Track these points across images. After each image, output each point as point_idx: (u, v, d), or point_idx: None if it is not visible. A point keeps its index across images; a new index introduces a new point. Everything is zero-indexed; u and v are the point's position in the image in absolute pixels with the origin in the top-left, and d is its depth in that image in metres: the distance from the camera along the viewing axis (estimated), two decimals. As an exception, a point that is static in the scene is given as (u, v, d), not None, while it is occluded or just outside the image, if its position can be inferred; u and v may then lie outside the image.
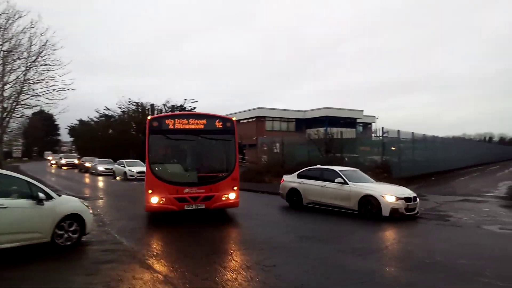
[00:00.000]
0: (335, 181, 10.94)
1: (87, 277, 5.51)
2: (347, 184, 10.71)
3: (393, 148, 20.76)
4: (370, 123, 49.85)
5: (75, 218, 7.22)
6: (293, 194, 12.27)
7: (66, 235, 7.07)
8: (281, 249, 7.17)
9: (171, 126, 9.49)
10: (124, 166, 25.21)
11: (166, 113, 11.59)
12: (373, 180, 11.64)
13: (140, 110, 43.75)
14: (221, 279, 5.52)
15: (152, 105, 43.41)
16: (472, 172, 29.19)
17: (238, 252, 7.16)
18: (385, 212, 9.72)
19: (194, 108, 43.25)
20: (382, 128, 20.92)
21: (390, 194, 9.92)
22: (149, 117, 9.44)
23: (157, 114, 45.37)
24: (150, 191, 9.20)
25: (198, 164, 10.17)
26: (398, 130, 21.27)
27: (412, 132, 22.94)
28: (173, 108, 43.59)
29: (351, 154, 21.71)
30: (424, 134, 24.99)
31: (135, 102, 43.54)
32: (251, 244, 7.60)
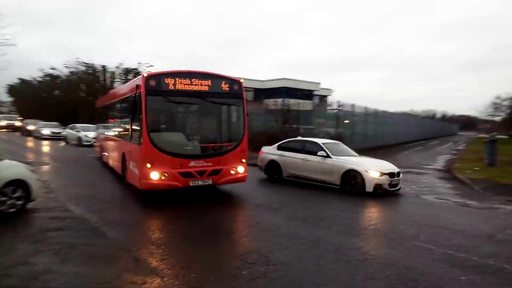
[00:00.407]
0: (318, 154, 10.52)
1: (35, 244, 5.30)
2: (330, 157, 10.31)
3: (346, 121, 21.60)
4: (326, 96, 51.09)
5: (19, 184, 6.82)
6: (272, 166, 11.82)
7: (9, 202, 6.68)
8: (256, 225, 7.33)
9: (171, 86, 7.98)
10: (79, 131, 23.88)
11: (164, 71, 8.33)
12: (356, 154, 11.26)
13: (90, 71, 41.04)
14: (176, 243, 5.60)
15: (104, 66, 40.94)
16: (416, 146, 31.32)
17: (190, 213, 7.22)
18: (369, 187, 9.48)
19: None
20: (338, 101, 21.59)
21: (374, 169, 9.64)
22: (145, 74, 7.95)
23: (110, 77, 42.99)
24: (149, 165, 7.74)
25: (203, 133, 9.03)
26: (353, 104, 22.08)
27: (365, 107, 23.95)
28: (127, 71, 41.40)
29: (307, 126, 22.28)
30: (375, 109, 26.17)
31: (84, 63, 40.64)
32: (214, 211, 7.69)
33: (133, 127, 8.64)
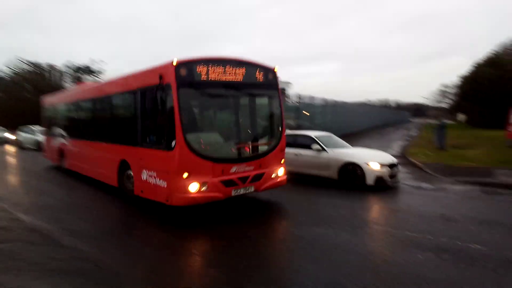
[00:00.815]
0: (312, 148, 10.07)
1: (-20, 260, 4.87)
2: (326, 150, 9.89)
3: (306, 113, 21.99)
4: (285, 89, 51.68)
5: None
6: None
7: None
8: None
9: (203, 76, 6.60)
10: (35, 134, 21.65)
11: (194, 57, 6.60)
12: (349, 145, 10.91)
13: (37, 71, 38.56)
14: (141, 249, 5.41)
15: (51, 65, 38.65)
16: (373, 134, 32.63)
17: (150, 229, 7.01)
18: (370, 180, 9.07)
19: (101, 72, 39.63)
20: (298, 94, 21.89)
21: (374, 161, 9.24)
22: (174, 61, 6.36)
23: (60, 76, 40.56)
24: (185, 175, 6.34)
25: (241, 132, 7.65)
26: (312, 96, 22.52)
27: (324, 98, 24.52)
28: (78, 70, 39.38)
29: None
30: (334, 100, 26.90)
31: (30, 62, 38.09)
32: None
33: (151, 127, 7.17)
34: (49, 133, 14.30)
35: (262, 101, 7.96)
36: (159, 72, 6.58)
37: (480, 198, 8.53)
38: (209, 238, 5.89)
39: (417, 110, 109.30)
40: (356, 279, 4.19)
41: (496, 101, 35.43)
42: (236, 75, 7.03)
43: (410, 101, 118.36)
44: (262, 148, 7.52)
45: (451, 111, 61.22)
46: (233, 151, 7.08)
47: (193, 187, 6.38)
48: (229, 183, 6.75)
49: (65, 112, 12.75)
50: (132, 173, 7.83)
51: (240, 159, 7.02)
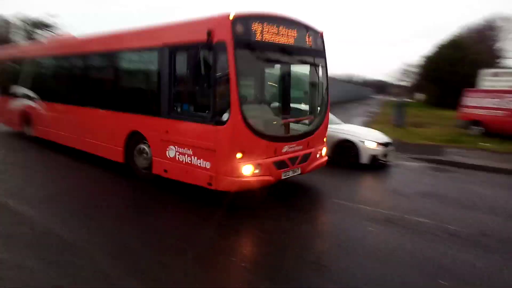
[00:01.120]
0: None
1: None
2: None
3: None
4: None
5: None
6: None
7: None
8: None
9: (258, 36, 5.51)
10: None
11: (250, 12, 5.44)
12: (340, 121, 10.40)
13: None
14: (91, 211, 5.29)
15: (6, 20, 35.30)
16: (336, 108, 33.30)
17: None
18: (364, 159, 8.82)
19: (56, 27, 36.76)
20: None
21: (370, 140, 9.01)
22: (231, 15, 5.20)
23: (7, 29, 37.06)
24: (239, 155, 5.36)
25: (292, 105, 6.68)
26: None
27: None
28: (34, 25, 36.22)
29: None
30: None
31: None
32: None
33: (188, 95, 6.02)
34: (4, 93, 11.95)
35: (312, 69, 6.94)
36: (207, 26, 5.34)
37: (430, 174, 9.09)
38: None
39: (380, 87, 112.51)
40: (309, 250, 4.40)
41: (455, 82, 37.03)
42: (289, 37, 6.01)
43: (374, 78, 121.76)
44: (311, 124, 6.77)
45: (412, 90, 63.51)
46: (285, 127, 6.20)
47: (247, 169, 5.45)
48: (281, 165, 5.90)
49: (36, 69, 10.48)
50: (149, 148, 6.73)
51: (291, 137, 6.21)
